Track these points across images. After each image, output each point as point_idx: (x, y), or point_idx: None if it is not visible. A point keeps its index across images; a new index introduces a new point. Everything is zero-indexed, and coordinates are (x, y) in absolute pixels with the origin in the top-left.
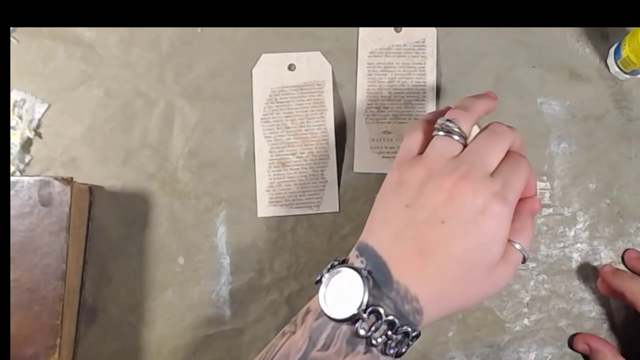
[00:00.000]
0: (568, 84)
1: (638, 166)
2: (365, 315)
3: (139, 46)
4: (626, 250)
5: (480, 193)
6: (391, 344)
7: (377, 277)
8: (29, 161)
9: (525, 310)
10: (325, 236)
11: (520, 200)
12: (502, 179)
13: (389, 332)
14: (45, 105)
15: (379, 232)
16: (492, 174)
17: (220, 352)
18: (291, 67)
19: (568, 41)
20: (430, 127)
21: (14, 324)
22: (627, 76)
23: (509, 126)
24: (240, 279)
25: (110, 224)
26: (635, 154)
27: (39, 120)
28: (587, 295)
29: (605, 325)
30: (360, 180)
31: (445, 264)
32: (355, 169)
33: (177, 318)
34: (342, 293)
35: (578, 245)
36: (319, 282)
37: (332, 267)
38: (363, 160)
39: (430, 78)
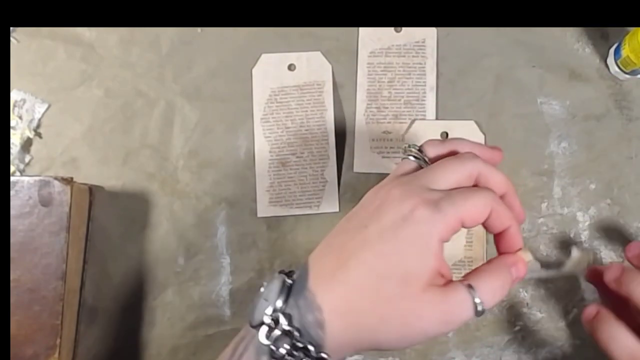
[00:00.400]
0: (568, 84)
1: (638, 166)
2: (269, 322)
3: (139, 46)
4: (629, 244)
5: (409, 198)
6: None
7: (297, 285)
8: (29, 161)
9: (525, 310)
10: (325, 236)
11: (502, 254)
12: (445, 193)
13: (287, 346)
14: (45, 105)
15: (319, 246)
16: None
17: (220, 352)
18: (291, 67)
19: (568, 41)
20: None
21: (14, 324)
22: (627, 76)
23: (478, 158)
24: (240, 279)
25: (110, 224)
26: (635, 154)
27: (39, 120)
28: (588, 296)
29: None
30: (360, 180)
31: (354, 270)
32: (355, 169)
33: (177, 318)
34: (263, 300)
35: (578, 245)
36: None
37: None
38: (363, 160)
39: (430, 78)
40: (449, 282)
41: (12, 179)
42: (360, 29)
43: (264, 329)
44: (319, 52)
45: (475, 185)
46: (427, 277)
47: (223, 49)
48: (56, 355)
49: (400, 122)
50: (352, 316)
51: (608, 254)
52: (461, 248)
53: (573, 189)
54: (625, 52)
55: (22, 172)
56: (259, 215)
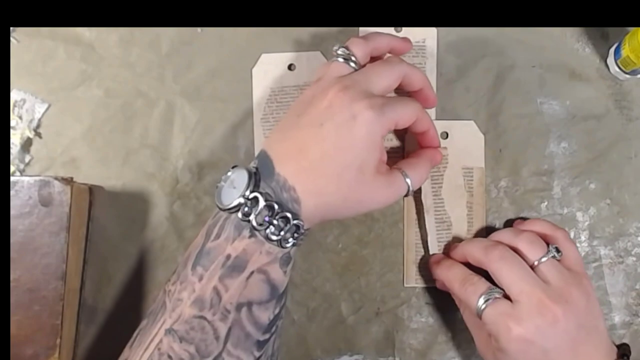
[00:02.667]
0: (568, 84)
1: (638, 166)
2: (248, 202)
3: (139, 46)
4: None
5: (357, 101)
6: (274, 230)
7: (262, 171)
8: (29, 161)
9: None
10: (323, 235)
11: (423, 148)
12: (384, 100)
13: (269, 218)
14: (45, 105)
15: (272, 138)
16: (377, 95)
17: None
18: (291, 67)
19: (568, 41)
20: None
21: (14, 324)
22: (627, 76)
23: (403, 61)
24: None
25: (110, 224)
26: (635, 154)
27: (39, 120)
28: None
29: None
30: None
31: (319, 160)
32: None
33: None
34: (232, 188)
35: (578, 245)
36: (217, 187)
37: (228, 171)
38: None
39: (430, 78)
40: (389, 169)
41: (12, 179)
42: (361, 28)
43: (243, 209)
44: (319, 52)
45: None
46: (376, 165)
47: (223, 49)
48: (56, 355)
49: None
50: (320, 197)
51: (608, 254)
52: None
53: (573, 189)
54: (625, 52)
55: (22, 172)
56: None
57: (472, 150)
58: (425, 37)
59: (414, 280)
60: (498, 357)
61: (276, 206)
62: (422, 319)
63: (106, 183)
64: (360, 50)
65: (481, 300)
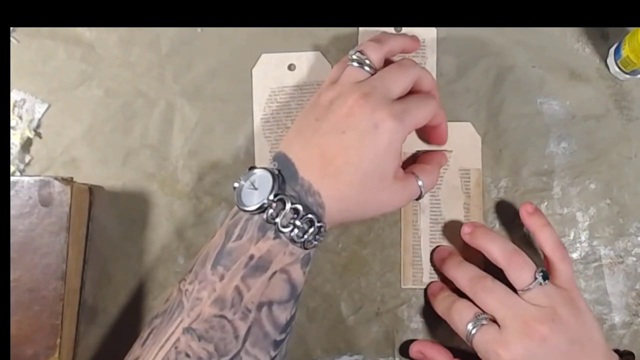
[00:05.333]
0: (568, 84)
1: (638, 166)
2: (273, 204)
3: (139, 46)
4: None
5: (378, 110)
6: (298, 232)
7: (285, 174)
8: (29, 161)
9: None
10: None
11: (432, 152)
12: (403, 105)
13: (295, 220)
14: (45, 105)
15: (291, 141)
16: (395, 101)
17: None
18: (291, 67)
19: (568, 41)
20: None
21: (14, 324)
22: (627, 76)
23: (416, 63)
24: None
25: (110, 224)
26: (635, 154)
27: (39, 120)
28: (587, 295)
29: (605, 326)
30: None
31: (343, 168)
32: None
33: None
34: (254, 189)
35: (578, 245)
36: (235, 187)
37: (247, 172)
38: None
39: None
40: (404, 173)
41: (12, 179)
42: (360, 29)
43: (269, 210)
44: (319, 52)
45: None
46: (395, 171)
47: (223, 49)
48: (56, 355)
49: None
50: (343, 202)
51: (608, 254)
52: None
53: (573, 189)
54: (625, 52)
55: (22, 172)
56: None
57: (469, 152)
58: (425, 37)
59: (411, 282)
60: None
61: (301, 209)
62: (422, 319)
63: (106, 183)
64: (375, 54)
65: (470, 326)
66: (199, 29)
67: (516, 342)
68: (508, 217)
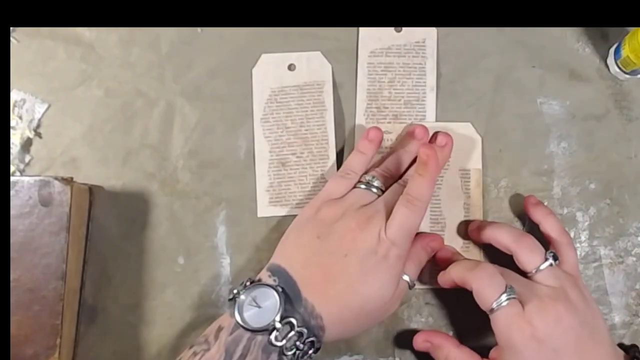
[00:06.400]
0: (568, 84)
1: (638, 166)
2: (279, 325)
3: (139, 46)
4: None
5: (381, 240)
6: (299, 354)
7: (288, 292)
8: (29, 161)
9: None
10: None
11: (420, 234)
12: (405, 233)
13: (298, 343)
14: (45, 105)
15: (291, 257)
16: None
17: None
18: (291, 67)
19: (568, 41)
20: (352, 179)
21: (14, 324)
22: (627, 76)
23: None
24: (240, 279)
25: (110, 224)
26: (635, 154)
27: (39, 120)
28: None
29: None
30: None
31: (345, 292)
32: None
33: (177, 318)
34: (257, 307)
35: (578, 245)
36: (233, 299)
37: (245, 286)
38: None
39: (431, 78)
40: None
41: (12, 179)
42: (361, 28)
43: (275, 333)
44: (319, 52)
45: None
46: (392, 296)
47: (223, 49)
48: (56, 355)
49: (400, 122)
50: (342, 325)
51: (608, 254)
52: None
53: (573, 189)
54: (625, 52)
55: (22, 172)
56: (259, 215)
57: (469, 152)
58: (425, 37)
59: None
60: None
61: (306, 332)
62: (422, 319)
63: (106, 183)
64: (387, 182)
65: (504, 297)
66: (199, 29)
67: (537, 318)
68: (508, 217)
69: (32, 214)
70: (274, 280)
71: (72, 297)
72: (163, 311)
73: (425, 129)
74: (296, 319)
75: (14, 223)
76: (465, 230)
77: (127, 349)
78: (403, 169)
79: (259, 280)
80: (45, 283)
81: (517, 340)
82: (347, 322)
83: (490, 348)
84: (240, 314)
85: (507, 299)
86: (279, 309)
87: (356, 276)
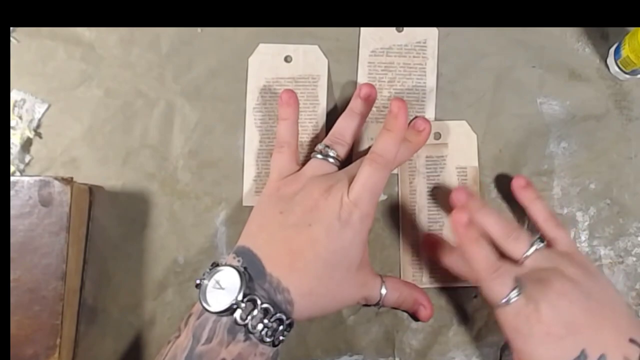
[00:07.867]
0: (568, 84)
1: (638, 166)
2: (242, 305)
3: (139, 46)
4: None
5: (342, 204)
6: (267, 331)
7: (252, 272)
8: (29, 161)
9: None
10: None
11: (415, 287)
12: (366, 195)
13: (265, 320)
14: (45, 105)
15: (255, 236)
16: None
17: None
18: (287, 59)
19: (568, 41)
20: (296, 148)
21: (14, 324)
22: (627, 76)
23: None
24: None
25: (110, 224)
26: (635, 154)
27: (39, 120)
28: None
29: None
30: None
31: (312, 262)
32: None
33: (177, 318)
34: (220, 289)
35: (578, 245)
36: (199, 285)
37: (210, 269)
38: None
39: (431, 79)
40: (372, 272)
41: (12, 179)
42: (362, 28)
43: (238, 312)
44: (316, 46)
45: None
46: (360, 262)
47: (223, 49)
48: (56, 355)
49: None
50: (311, 297)
51: (608, 254)
52: None
53: (573, 189)
54: (625, 52)
55: (22, 172)
56: (244, 204)
57: (465, 150)
58: (426, 37)
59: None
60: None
61: (271, 308)
62: None
63: (106, 183)
64: (343, 149)
65: (514, 293)
66: (199, 29)
67: (539, 302)
68: (508, 217)
69: (32, 214)
70: (238, 261)
71: (72, 297)
72: (163, 311)
73: (371, 85)
74: (259, 296)
75: (14, 223)
76: None
77: (127, 349)
78: (353, 131)
79: (225, 264)
80: (45, 283)
81: (525, 330)
82: (315, 293)
83: (491, 347)
84: (205, 298)
85: (519, 294)
86: (240, 288)
87: (323, 244)
